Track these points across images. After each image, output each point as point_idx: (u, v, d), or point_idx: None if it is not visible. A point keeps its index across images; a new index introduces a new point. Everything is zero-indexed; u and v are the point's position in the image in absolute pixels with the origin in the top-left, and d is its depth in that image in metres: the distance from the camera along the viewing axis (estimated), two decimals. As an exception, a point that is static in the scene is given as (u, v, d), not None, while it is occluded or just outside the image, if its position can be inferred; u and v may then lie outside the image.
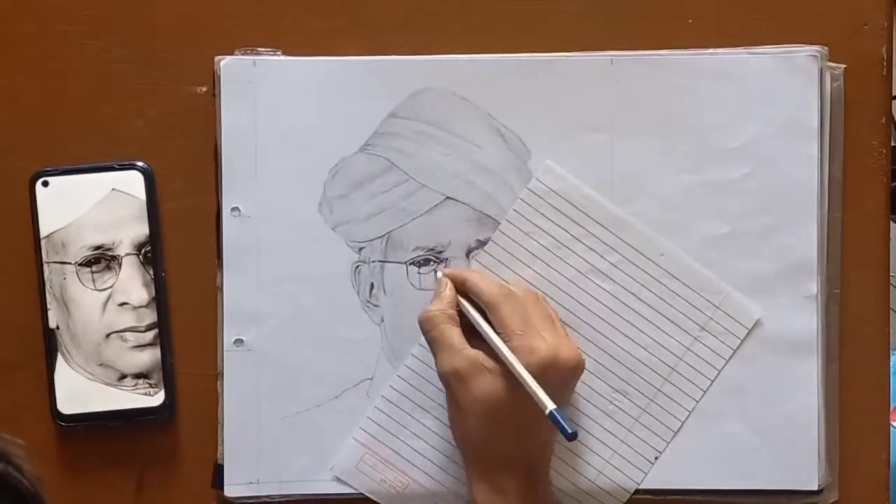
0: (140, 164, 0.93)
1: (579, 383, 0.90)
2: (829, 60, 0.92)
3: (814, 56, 0.91)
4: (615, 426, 0.93)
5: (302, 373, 0.93)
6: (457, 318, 0.88)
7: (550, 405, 0.82)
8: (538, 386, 0.83)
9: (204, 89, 0.93)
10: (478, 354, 0.86)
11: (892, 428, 0.94)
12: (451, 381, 0.86)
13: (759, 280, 0.92)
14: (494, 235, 0.92)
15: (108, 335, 0.93)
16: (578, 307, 0.93)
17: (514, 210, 0.92)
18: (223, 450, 0.93)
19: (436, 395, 0.93)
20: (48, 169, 0.93)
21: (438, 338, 0.87)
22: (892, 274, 0.95)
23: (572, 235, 0.93)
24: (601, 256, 0.93)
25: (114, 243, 0.92)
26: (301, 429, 0.93)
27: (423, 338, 0.91)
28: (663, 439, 0.93)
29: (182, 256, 0.93)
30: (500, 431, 0.86)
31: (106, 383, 0.93)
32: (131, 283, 0.93)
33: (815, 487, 0.92)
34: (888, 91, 0.94)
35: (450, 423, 0.89)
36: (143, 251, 0.93)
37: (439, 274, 0.91)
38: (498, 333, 0.86)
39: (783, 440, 0.92)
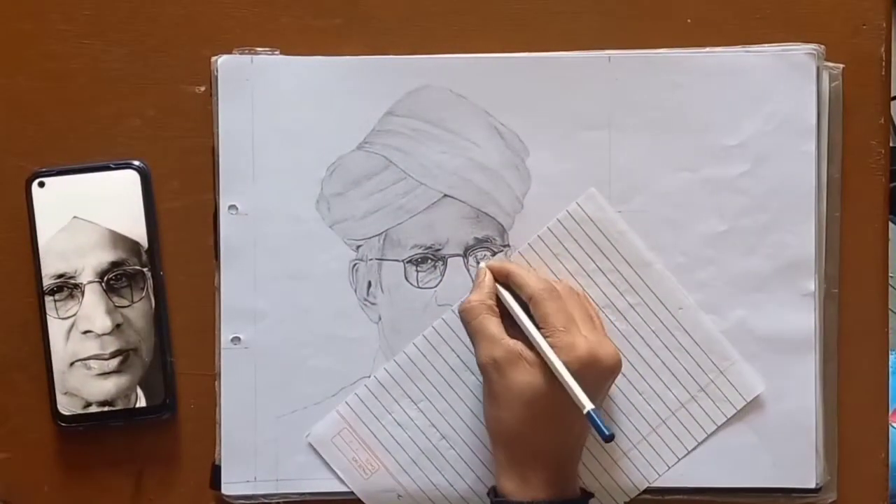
0: (136, 162, 0.93)
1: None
2: (828, 60, 0.92)
3: (811, 54, 0.91)
4: (595, 464, 0.93)
5: (299, 371, 0.93)
6: (496, 308, 0.88)
7: (589, 405, 0.82)
8: (577, 385, 0.83)
9: (202, 89, 0.93)
10: (517, 345, 0.86)
11: (891, 428, 0.94)
12: (490, 371, 0.86)
13: (757, 277, 0.92)
14: (522, 248, 0.92)
15: (72, 363, 0.92)
16: None
17: (548, 228, 0.92)
18: (220, 448, 0.93)
19: (427, 390, 0.93)
20: (44, 170, 0.93)
21: (478, 328, 0.87)
22: (890, 274, 0.95)
23: (598, 267, 0.92)
24: (621, 294, 0.92)
25: (76, 271, 0.92)
26: (298, 427, 0.93)
27: (421, 336, 0.91)
28: (642, 482, 0.93)
29: (180, 255, 0.93)
30: (533, 423, 0.85)
31: None
32: (94, 311, 0.92)
33: (813, 486, 0.92)
34: (887, 91, 0.94)
35: (484, 413, 0.88)
36: (105, 278, 0.92)
37: (481, 264, 0.91)
38: (539, 328, 0.86)
39: (781, 438, 0.92)
